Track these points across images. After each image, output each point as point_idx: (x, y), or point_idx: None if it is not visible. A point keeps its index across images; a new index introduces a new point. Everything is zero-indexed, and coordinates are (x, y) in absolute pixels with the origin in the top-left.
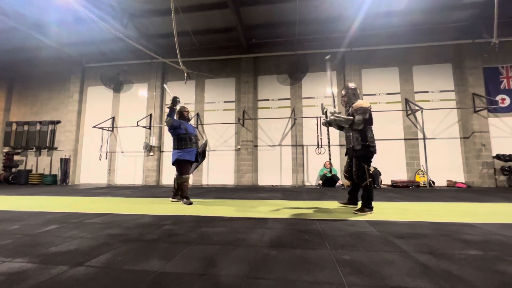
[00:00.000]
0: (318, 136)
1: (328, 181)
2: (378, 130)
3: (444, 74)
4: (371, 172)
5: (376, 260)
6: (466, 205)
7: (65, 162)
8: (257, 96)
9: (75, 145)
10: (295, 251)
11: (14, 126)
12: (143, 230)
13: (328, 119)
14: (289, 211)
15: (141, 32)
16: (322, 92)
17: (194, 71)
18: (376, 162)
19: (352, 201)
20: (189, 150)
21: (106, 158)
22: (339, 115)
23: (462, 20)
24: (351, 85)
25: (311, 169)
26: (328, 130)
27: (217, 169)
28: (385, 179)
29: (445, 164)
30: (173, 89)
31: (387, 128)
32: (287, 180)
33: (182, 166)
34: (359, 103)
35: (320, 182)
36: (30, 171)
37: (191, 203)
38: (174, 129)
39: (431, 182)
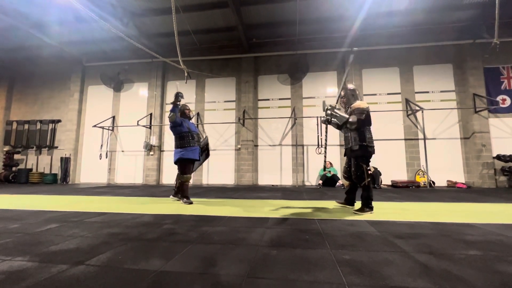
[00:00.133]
0: (318, 136)
1: (328, 181)
2: (378, 130)
3: (444, 74)
4: (370, 172)
5: (376, 260)
6: (466, 205)
7: (65, 161)
8: (258, 95)
9: (76, 144)
10: (295, 251)
11: (14, 125)
12: (143, 229)
13: (325, 112)
14: (289, 210)
15: (141, 31)
16: (322, 92)
17: (195, 71)
18: (376, 162)
19: (349, 201)
20: (192, 148)
21: (106, 157)
22: (336, 111)
23: (463, 20)
24: (350, 86)
25: (311, 169)
26: (326, 130)
27: (217, 168)
28: (385, 179)
29: (445, 164)
30: (173, 89)
31: (387, 128)
32: (287, 180)
33: (184, 165)
34: (357, 103)
35: (320, 182)
36: (31, 170)
37: (191, 203)
38: (176, 127)
39: (431, 182)
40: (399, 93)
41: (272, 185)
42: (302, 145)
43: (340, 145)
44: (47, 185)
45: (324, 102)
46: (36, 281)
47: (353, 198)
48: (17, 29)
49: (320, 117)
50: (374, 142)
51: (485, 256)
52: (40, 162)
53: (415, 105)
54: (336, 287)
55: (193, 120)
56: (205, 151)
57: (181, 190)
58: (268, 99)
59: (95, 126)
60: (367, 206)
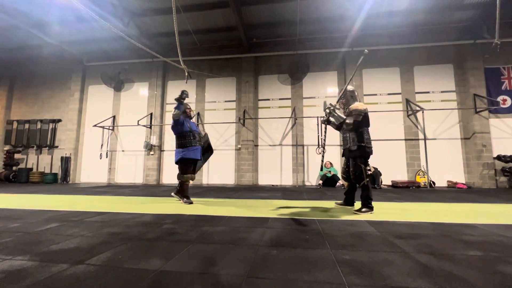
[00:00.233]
0: (318, 136)
1: (329, 181)
2: (378, 130)
3: (445, 75)
4: (371, 172)
5: (376, 260)
6: (467, 205)
7: (65, 161)
8: (258, 95)
9: (76, 144)
10: (295, 251)
11: (15, 125)
12: (144, 229)
13: (324, 111)
14: (289, 210)
15: (142, 31)
16: (322, 92)
17: (195, 70)
18: (376, 162)
19: (348, 201)
20: (193, 148)
21: (106, 157)
22: (336, 111)
23: (464, 20)
24: (350, 87)
25: (311, 169)
26: (325, 130)
27: (218, 168)
28: (386, 180)
29: (446, 164)
30: (174, 88)
31: (387, 128)
32: (287, 180)
33: (185, 165)
34: (355, 105)
35: (321, 182)
36: (31, 169)
37: (191, 203)
38: (177, 126)
39: (431, 182)
40: (399, 93)
41: (272, 185)
42: (302, 145)
43: (341, 145)
44: (48, 185)
45: (325, 102)
46: (36, 280)
47: (352, 198)
48: (17, 28)
49: (321, 117)
50: (375, 142)
51: (485, 256)
52: (41, 162)
53: (415, 105)
54: (336, 287)
55: (194, 120)
56: (207, 151)
57: (181, 190)
58: (269, 99)
59: (95, 125)
60: (367, 206)
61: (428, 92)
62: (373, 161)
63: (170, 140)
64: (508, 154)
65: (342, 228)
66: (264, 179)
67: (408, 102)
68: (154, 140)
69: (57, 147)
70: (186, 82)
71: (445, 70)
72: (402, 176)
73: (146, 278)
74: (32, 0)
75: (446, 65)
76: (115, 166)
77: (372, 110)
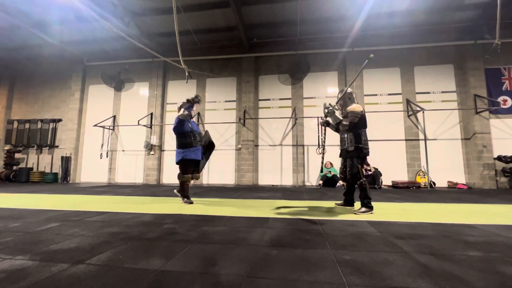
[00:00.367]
0: (319, 136)
1: (329, 181)
2: (379, 130)
3: (445, 75)
4: (371, 172)
5: (376, 260)
6: (467, 206)
7: (66, 160)
8: (258, 95)
9: (76, 144)
10: (296, 251)
11: (15, 124)
12: (144, 229)
13: (324, 112)
14: (289, 210)
15: (142, 30)
16: (323, 92)
17: (195, 70)
18: (376, 162)
19: (348, 202)
20: (194, 149)
21: (107, 157)
22: (334, 112)
23: (464, 21)
24: (348, 88)
25: (311, 169)
26: (324, 130)
27: (218, 168)
28: (386, 180)
29: (446, 165)
30: (174, 88)
31: (388, 128)
32: (287, 180)
33: (186, 165)
34: (352, 107)
35: (321, 182)
36: (31, 169)
37: (191, 203)
38: (179, 126)
39: (431, 183)
40: (400, 94)
41: (273, 185)
42: (303, 145)
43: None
44: (48, 184)
45: (325, 104)
46: (36, 280)
47: (351, 198)
48: (18, 28)
49: (321, 117)
50: (375, 142)
51: (485, 257)
52: (41, 161)
53: (416, 106)
54: (336, 287)
55: (194, 120)
56: (209, 148)
57: (182, 190)
58: (269, 99)
59: (95, 125)
60: (366, 206)
61: (428, 93)
62: (374, 162)
63: (170, 140)
64: (509, 154)
65: (343, 228)
66: (264, 179)
67: (408, 102)
68: (154, 140)
69: (57, 146)
70: (187, 82)
71: (445, 71)
72: (403, 176)
73: (147, 278)
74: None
75: (446, 65)
76: (116, 166)
77: (373, 111)
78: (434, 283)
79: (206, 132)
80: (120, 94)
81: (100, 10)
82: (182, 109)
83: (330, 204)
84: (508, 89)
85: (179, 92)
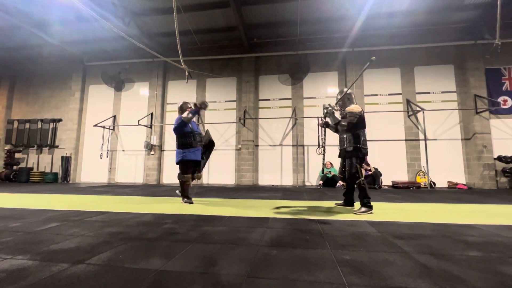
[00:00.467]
0: (319, 136)
1: (329, 181)
2: (379, 130)
3: (446, 75)
4: (371, 172)
5: (376, 260)
6: (467, 206)
7: (66, 160)
8: (258, 95)
9: (76, 143)
10: (296, 251)
11: (15, 124)
12: (144, 229)
13: (323, 113)
14: (289, 210)
15: (143, 30)
16: (323, 92)
17: (196, 70)
18: (377, 162)
19: (348, 202)
20: (194, 149)
21: (107, 157)
22: (333, 113)
23: (465, 21)
24: (346, 89)
25: (311, 169)
26: (324, 131)
27: (218, 168)
28: (386, 180)
29: (446, 165)
30: (174, 88)
31: (388, 128)
32: (287, 180)
33: (186, 165)
34: (351, 107)
35: (321, 182)
36: (31, 169)
37: (191, 202)
38: (180, 128)
39: (432, 183)
40: (400, 94)
41: (273, 185)
42: (303, 145)
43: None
44: (48, 184)
45: (324, 105)
46: (36, 279)
47: (351, 198)
48: (18, 28)
49: (320, 117)
50: (375, 142)
51: (485, 257)
52: (41, 161)
53: (416, 106)
54: (336, 287)
55: (194, 119)
56: (209, 148)
57: (182, 190)
58: (269, 99)
59: (96, 125)
60: (365, 206)
61: (428, 93)
62: (374, 162)
63: (170, 140)
64: (509, 155)
65: (343, 229)
66: (264, 179)
67: (408, 102)
68: (154, 140)
69: (57, 146)
70: (187, 82)
71: (445, 71)
72: (403, 176)
73: (147, 278)
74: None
75: (446, 65)
76: (116, 166)
77: (373, 111)
78: (434, 283)
79: (207, 131)
80: (120, 94)
81: (100, 10)
82: (187, 112)
83: (330, 204)
84: (508, 89)
85: (179, 92)
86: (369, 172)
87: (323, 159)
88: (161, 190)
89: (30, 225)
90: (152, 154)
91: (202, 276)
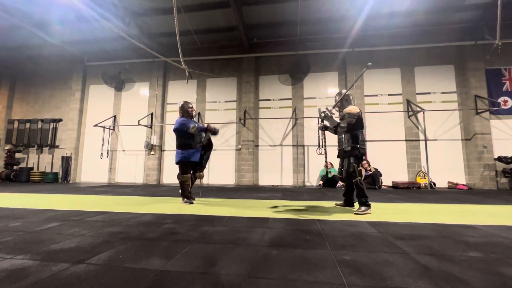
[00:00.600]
0: (319, 136)
1: (329, 181)
2: (379, 131)
3: (446, 76)
4: (370, 172)
5: (376, 260)
6: (467, 207)
7: (66, 160)
8: (259, 96)
9: (77, 143)
10: (296, 251)
11: (16, 124)
12: (144, 229)
13: (321, 117)
14: (289, 211)
15: (143, 30)
16: (323, 92)
17: (196, 70)
18: (377, 163)
19: (348, 202)
20: (193, 151)
21: (107, 157)
22: (330, 116)
23: (465, 21)
24: (345, 91)
25: (311, 170)
26: (324, 132)
27: (218, 168)
28: (386, 180)
29: (446, 165)
30: (174, 88)
31: (388, 129)
32: (287, 180)
33: (185, 165)
34: (349, 108)
35: (321, 182)
36: (32, 169)
37: (191, 203)
38: (181, 130)
39: (432, 183)
40: (400, 94)
41: (273, 186)
42: (303, 146)
43: None
44: (48, 184)
45: (319, 110)
46: (37, 279)
47: (351, 199)
48: (19, 28)
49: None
50: (375, 142)
51: (486, 257)
52: (41, 161)
53: (416, 106)
54: (336, 287)
55: (195, 119)
56: (209, 148)
57: (182, 190)
58: (269, 99)
59: (96, 125)
60: (364, 205)
61: (429, 93)
62: (374, 162)
63: (170, 140)
64: (509, 155)
65: (343, 229)
66: (265, 180)
67: (409, 103)
68: (154, 140)
69: (57, 146)
70: (187, 82)
71: (446, 71)
72: (403, 177)
73: (147, 278)
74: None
75: (447, 66)
76: (116, 166)
77: (373, 111)
78: (434, 284)
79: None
80: (121, 94)
81: (100, 10)
82: (195, 126)
83: (330, 204)
84: (509, 89)
85: (180, 92)
86: (369, 172)
87: (325, 158)
88: (161, 190)
89: (30, 224)
90: (152, 154)
91: (202, 276)
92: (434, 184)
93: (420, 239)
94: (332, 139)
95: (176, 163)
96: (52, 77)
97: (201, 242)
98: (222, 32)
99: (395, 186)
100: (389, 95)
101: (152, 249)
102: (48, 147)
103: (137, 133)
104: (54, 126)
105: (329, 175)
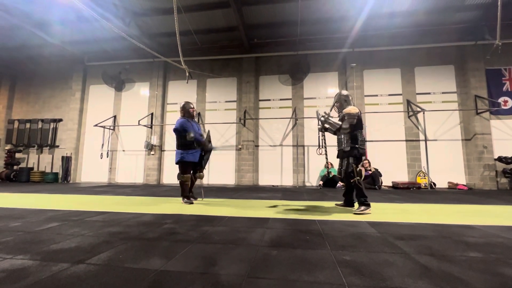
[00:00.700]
0: (319, 136)
1: (329, 182)
2: (379, 131)
3: (446, 76)
4: (370, 172)
5: (376, 261)
6: (467, 207)
7: (66, 160)
8: (259, 96)
9: (77, 143)
10: (296, 251)
11: (16, 124)
12: (144, 229)
13: (319, 120)
14: (289, 211)
15: (143, 31)
16: (323, 92)
17: (196, 71)
18: (377, 163)
19: (348, 202)
20: (193, 151)
21: (107, 157)
22: (330, 119)
23: (465, 21)
24: (344, 92)
25: (311, 170)
26: (324, 135)
27: (218, 168)
28: (386, 181)
29: (447, 166)
30: (174, 88)
31: (388, 129)
32: (287, 180)
33: (185, 165)
34: (348, 109)
35: (321, 182)
36: (32, 169)
37: (191, 203)
38: (181, 131)
39: (432, 183)
40: (400, 94)
41: (273, 186)
42: (303, 146)
43: None
44: (48, 184)
45: (317, 112)
46: (37, 279)
47: (351, 199)
48: (19, 28)
49: (319, 120)
50: (375, 142)
51: (486, 258)
52: (41, 161)
53: (416, 106)
54: (336, 287)
55: (195, 119)
56: (208, 151)
57: (182, 190)
58: (269, 100)
59: (96, 125)
60: (363, 204)
61: (429, 93)
62: (374, 162)
63: (170, 140)
64: (509, 155)
65: (343, 229)
66: (265, 180)
67: (409, 103)
68: (154, 140)
69: (58, 146)
70: (187, 82)
71: (446, 71)
72: (403, 177)
73: (147, 278)
74: None
75: (447, 66)
76: (116, 166)
77: (373, 111)
78: (434, 284)
79: (208, 132)
80: (121, 94)
81: (101, 10)
82: (193, 134)
83: (330, 204)
84: (509, 89)
85: (180, 92)
86: (369, 172)
87: (326, 158)
88: (161, 190)
89: (30, 224)
90: (152, 154)
91: (202, 276)
92: (434, 184)
93: (420, 239)
94: (332, 139)
95: (176, 163)
96: (52, 77)
97: (201, 242)
98: (222, 32)
99: (395, 186)
100: (389, 95)
101: (152, 249)
102: (48, 147)
103: (137, 133)
104: (54, 126)
105: (330, 176)
